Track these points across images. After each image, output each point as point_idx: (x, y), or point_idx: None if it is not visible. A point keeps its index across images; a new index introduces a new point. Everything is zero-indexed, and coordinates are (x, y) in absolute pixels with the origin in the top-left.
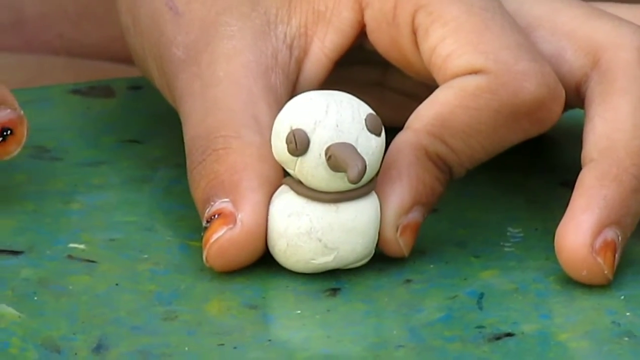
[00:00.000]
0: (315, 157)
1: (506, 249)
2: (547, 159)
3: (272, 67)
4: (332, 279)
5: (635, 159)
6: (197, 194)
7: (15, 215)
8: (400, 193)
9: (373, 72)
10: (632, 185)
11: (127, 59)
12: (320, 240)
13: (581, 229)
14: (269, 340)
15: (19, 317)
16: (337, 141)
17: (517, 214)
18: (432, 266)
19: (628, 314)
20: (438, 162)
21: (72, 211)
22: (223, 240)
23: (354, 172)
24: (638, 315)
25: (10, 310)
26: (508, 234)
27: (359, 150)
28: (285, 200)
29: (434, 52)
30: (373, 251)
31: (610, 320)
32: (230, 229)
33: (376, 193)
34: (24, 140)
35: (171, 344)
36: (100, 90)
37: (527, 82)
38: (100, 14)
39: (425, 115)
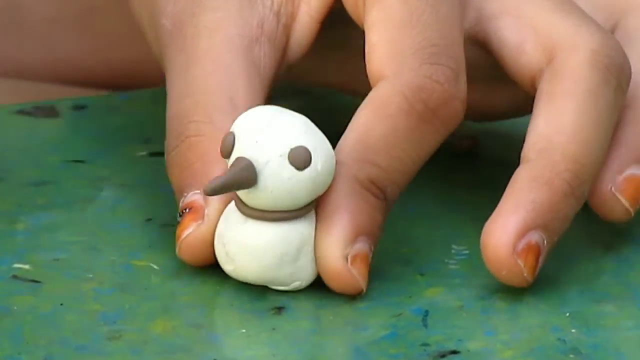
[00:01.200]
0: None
1: (451, 267)
2: (490, 176)
3: (257, 38)
4: (277, 297)
5: (570, 164)
6: (173, 181)
7: None
8: (340, 225)
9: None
10: (563, 190)
11: (71, 80)
12: (224, 246)
13: (506, 229)
14: (214, 359)
15: None
16: (244, 155)
17: (461, 231)
18: (376, 284)
19: (573, 330)
20: (372, 188)
21: (16, 231)
22: (191, 237)
23: (209, 182)
24: (583, 333)
25: None
26: (453, 251)
27: (263, 174)
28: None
29: (365, 40)
30: (291, 282)
31: (555, 337)
32: (199, 225)
33: (314, 233)
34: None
35: None
36: (44, 110)
37: (428, 81)
38: (46, 34)
39: (347, 144)
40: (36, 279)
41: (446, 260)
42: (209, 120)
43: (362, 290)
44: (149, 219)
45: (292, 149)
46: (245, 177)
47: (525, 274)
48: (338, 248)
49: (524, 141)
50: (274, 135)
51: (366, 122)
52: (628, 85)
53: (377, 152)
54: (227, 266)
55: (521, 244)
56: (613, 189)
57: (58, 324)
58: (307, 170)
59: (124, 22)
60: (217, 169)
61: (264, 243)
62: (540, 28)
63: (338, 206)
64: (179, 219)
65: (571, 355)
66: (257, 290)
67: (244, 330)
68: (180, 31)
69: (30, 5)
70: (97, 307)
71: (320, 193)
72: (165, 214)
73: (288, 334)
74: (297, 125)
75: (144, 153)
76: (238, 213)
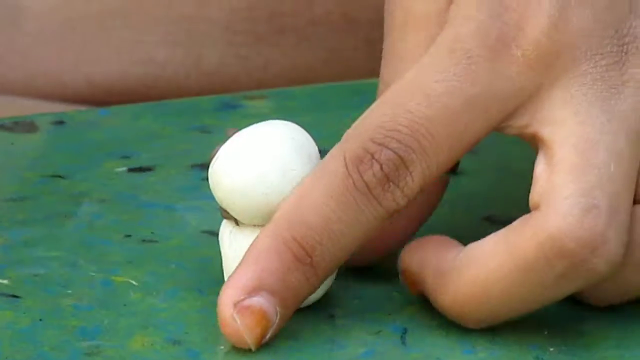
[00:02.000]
0: None
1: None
2: (470, 194)
3: None
4: None
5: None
6: None
7: None
8: (242, 274)
9: None
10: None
11: (50, 95)
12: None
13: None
14: None
15: None
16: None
17: None
18: (356, 301)
19: (552, 349)
20: (295, 248)
21: None
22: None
23: None
24: (562, 351)
25: None
26: None
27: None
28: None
29: None
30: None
31: (533, 356)
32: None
33: None
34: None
35: None
36: (24, 125)
37: (368, 157)
38: (25, 49)
39: (285, 202)
40: (15, 294)
41: None
42: None
43: (248, 344)
44: (128, 235)
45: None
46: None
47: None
48: (229, 295)
49: (504, 159)
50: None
51: (307, 181)
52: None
53: (309, 213)
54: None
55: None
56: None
57: (37, 339)
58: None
59: (104, 37)
60: None
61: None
62: (546, 180)
63: (250, 257)
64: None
65: None
66: None
67: (222, 347)
68: (394, 9)
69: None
70: (76, 322)
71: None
72: (145, 230)
73: (267, 351)
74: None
75: (124, 169)
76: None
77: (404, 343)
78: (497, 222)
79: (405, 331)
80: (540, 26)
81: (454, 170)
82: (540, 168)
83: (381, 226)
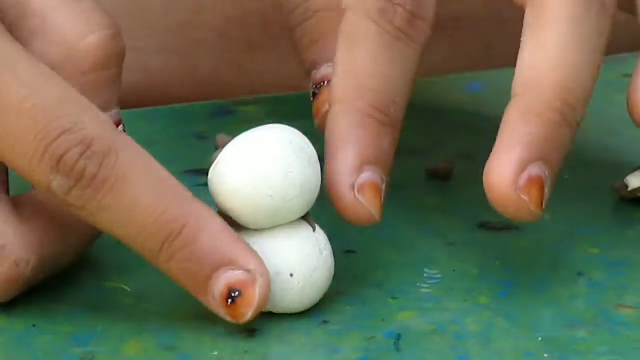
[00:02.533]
0: None
1: (423, 290)
2: (465, 200)
3: None
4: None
5: (557, 91)
6: (301, 52)
7: None
8: (343, 155)
9: None
10: (555, 120)
11: None
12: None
13: (505, 167)
14: None
15: None
16: None
17: (434, 256)
18: (349, 307)
19: (546, 355)
20: (375, 114)
21: None
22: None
23: None
24: (556, 357)
25: None
26: (425, 275)
27: None
28: None
29: None
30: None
31: None
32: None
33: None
34: (255, 302)
35: None
36: None
37: (389, 4)
38: None
39: (337, 82)
40: (9, 301)
41: (419, 284)
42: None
43: (375, 220)
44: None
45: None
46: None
47: (532, 208)
48: (343, 179)
49: None
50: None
51: (345, 55)
52: (614, 5)
53: (367, 77)
54: None
55: (522, 179)
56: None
57: (31, 345)
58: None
59: None
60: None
61: None
62: None
63: (341, 139)
64: (315, 91)
65: None
66: None
67: (216, 353)
68: None
69: None
70: (70, 328)
71: None
72: None
73: (260, 357)
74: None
75: None
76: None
77: (397, 349)
78: (492, 228)
79: (399, 337)
80: None
81: (447, 177)
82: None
83: (419, 62)
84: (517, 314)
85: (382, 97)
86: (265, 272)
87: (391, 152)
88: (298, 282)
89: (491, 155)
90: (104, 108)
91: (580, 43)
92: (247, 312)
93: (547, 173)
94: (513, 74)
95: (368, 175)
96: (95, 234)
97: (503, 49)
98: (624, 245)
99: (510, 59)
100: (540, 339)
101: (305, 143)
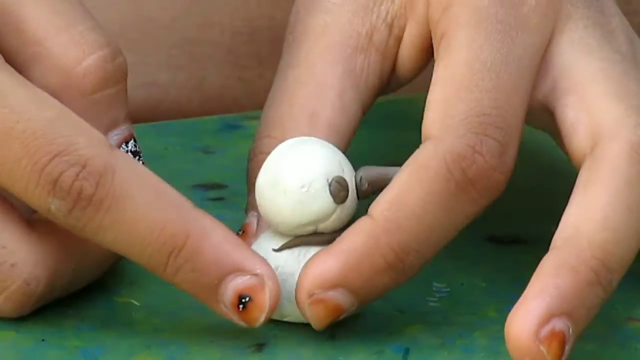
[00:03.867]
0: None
1: (431, 304)
2: None
3: (364, 48)
4: (258, 333)
5: (596, 252)
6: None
7: None
8: (326, 266)
9: None
10: (588, 278)
11: None
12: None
13: (529, 315)
14: None
15: None
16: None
17: (442, 269)
18: (357, 321)
19: None
20: (389, 255)
21: None
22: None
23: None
24: None
25: None
26: (434, 289)
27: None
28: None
29: (430, 89)
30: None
31: None
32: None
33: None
34: (266, 306)
35: None
36: None
37: (470, 151)
38: None
39: (382, 200)
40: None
41: (427, 298)
42: (283, 137)
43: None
44: None
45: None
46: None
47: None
48: (305, 284)
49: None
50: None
51: (405, 182)
52: None
53: (408, 217)
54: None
55: (544, 331)
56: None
57: (39, 359)
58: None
59: None
60: None
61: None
62: (594, 113)
63: (340, 249)
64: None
65: None
66: (238, 328)
67: None
68: (293, 26)
69: None
70: (78, 343)
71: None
72: None
73: None
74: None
75: None
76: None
77: None
78: (500, 242)
79: (407, 351)
80: None
81: None
82: (572, 114)
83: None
84: None
85: (408, 245)
86: (273, 274)
87: (383, 290)
88: None
89: (518, 302)
90: (112, 125)
91: (630, 208)
92: (260, 316)
93: (570, 330)
94: None
95: (333, 295)
96: (111, 257)
97: None
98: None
99: None
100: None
101: (336, 151)
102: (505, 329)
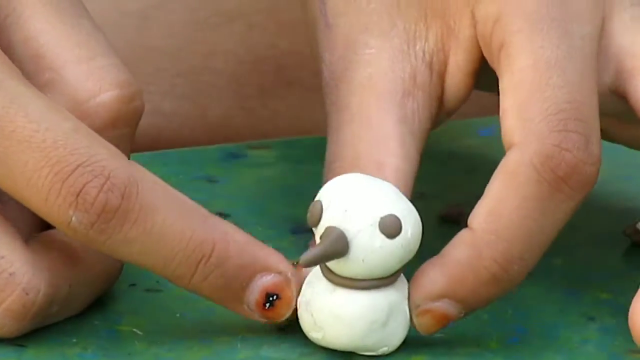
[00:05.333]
0: (319, 234)
1: (436, 335)
2: None
3: (410, 91)
4: None
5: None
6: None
7: None
8: (432, 278)
9: None
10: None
11: None
12: (312, 315)
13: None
14: None
15: None
16: (333, 225)
17: None
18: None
19: None
20: (492, 267)
21: None
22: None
23: (304, 255)
24: None
25: None
26: None
27: (354, 244)
28: (315, 268)
29: (500, 105)
30: (379, 348)
31: None
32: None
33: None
34: (293, 301)
35: None
36: None
37: (557, 150)
38: None
39: (479, 212)
40: (21, 343)
41: None
42: None
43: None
44: (133, 284)
45: (382, 218)
46: (338, 247)
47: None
48: (414, 297)
49: None
50: (364, 204)
51: (498, 192)
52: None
53: (508, 227)
54: (314, 334)
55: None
56: None
57: None
58: (398, 239)
59: None
60: None
61: (355, 312)
62: None
63: (444, 263)
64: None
65: None
66: (241, 358)
67: None
68: (334, 86)
69: None
70: None
71: (409, 259)
72: (149, 279)
73: None
74: (386, 194)
75: None
76: (325, 281)
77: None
78: (535, 275)
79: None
80: None
81: (460, 220)
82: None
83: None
84: (531, 359)
85: (511, 254)
86: (293, 270)
87: (490, 299)
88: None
89: (636, 295)
90: None
91: None
92: (286, 312)
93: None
94: None
95: (439, 306)
96: (104, 280)
97: None
98: (635, 290)
99: None
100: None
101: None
102: (629, 321)
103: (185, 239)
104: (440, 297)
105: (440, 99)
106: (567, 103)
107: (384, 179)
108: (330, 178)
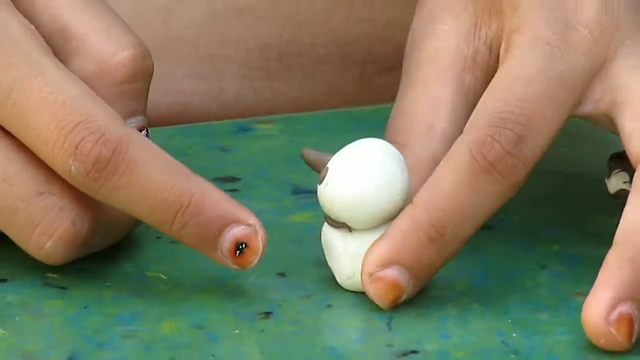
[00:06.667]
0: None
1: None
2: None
3: (470, 68)
4: (266, 304)
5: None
6: None
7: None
8: (380, 247)
9: None
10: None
11: None
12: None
13: (598, 304)
14: (213, 355)
15: (3, 334)
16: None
17: None
18: (349, 294)
19: (514, 334)
20: (429, 230)
21: None
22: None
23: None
24: (523, 336)
25: None
26: None
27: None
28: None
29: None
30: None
31: (499, 341)
32: None
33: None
34: (259, 250)
35: (130, 358)
36: None
37: (489, 139)
38: None
39: (421, 190)
40: (64, 286)
41: None
42: (405, 144)
43: (383, 307)
44: (159, 237)
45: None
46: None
47: (621, 341)
48: (366, 265)
49: None
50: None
51: (437, 171)
52: None
53: (441, 197)
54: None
55: (613, 315)
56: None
57: (82, 324)
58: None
59: None
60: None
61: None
62: None
63: (389, 235)
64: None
65: (512, 356)
66: (249, 298)
67: (237, 331)
68: (411, 52)
69: None
70: (115, 310)
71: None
72: None
73: (274, 335)
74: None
75: None
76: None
77: (390, 329)
78: (496, 229)
79: (390, 319)
80: (595, 7)
81: None
82: (629, 125)
83: (506, 200)
84: (490, 299)
85: (444, 219)
86: (261, 225)
87: (432, 265)
88: None
89: (590, 292)
90: (131, 114)
91: None
92: (254, 260)
93: (637, 312)
94: None
95: (389, 272)
96: (133, 219)
97: None
98: (580, 243)
99: None
100: (509, 320)
101: (396, 152)
102: (582, 317)
103: (167, 191)
104: (388, 262)
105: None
106: (515, 107)
107: (433, 139)
108: (389, 130)
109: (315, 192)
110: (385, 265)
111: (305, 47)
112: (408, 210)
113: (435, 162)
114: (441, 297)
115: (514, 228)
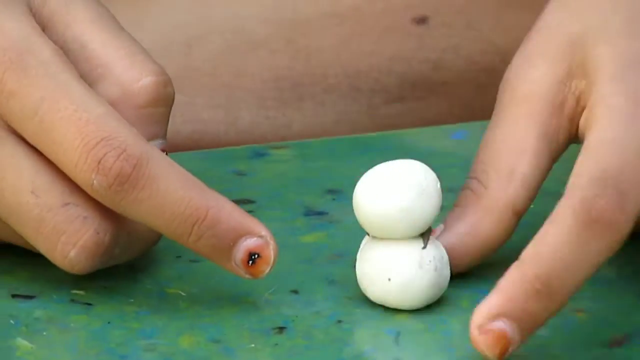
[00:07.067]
0: None
1: None
2: None
3: (557, 114)
4: (279, 319)
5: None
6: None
7: (29, 266)
8: (489, 300)
9: None
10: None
11: None
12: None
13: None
14: None
15: (31, 348)
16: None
17: None
18: (358, 310)
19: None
20: (535, 282)
21: None
22: None
23: None
24: (524, 351)
25: (24, 343)
26: None
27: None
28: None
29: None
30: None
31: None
32: None
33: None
34: (271, 260)
35: None
36: None
37: (595, 195)
38: None
39: (527, 248)
40: (89, 302)
41: None
42: (486, 183)
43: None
44: (179, 256)
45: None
46: None
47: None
48: (475, 320)
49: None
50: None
51: (542, 230)
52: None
53: (547, 254)
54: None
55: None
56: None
57: (106, 338)
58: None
59: None
60: (465, 224)
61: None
62: None
63: (499, 288)
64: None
65: None
66: (264, 314)
67: (252, 345)
68: (504, 87)
69: None
70: (137, 325)
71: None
72: (192, 252)
73: (288, 349)
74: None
75: None
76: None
77: (397, 343)
78: (498, 249)
79: (398, 334)
80: None
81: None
82: None
83: (610, 255)
84: None
85: (549, 274)
86: (272, 237)
87: (538, 317)
88: (395, 286)
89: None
90: (153, 137)
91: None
92: (266, 269)
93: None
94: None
95: (497, 324)
96: (154, 234)
97: (481, 107)
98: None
99: (487, 116)
100: None
101: (423, 177)
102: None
103: (184, 205)
104: (496, 316)
105: (577, 128)
106: (612, 170)
107: (512, 186)
108: (476, 159)
109: (326, 213)
110: (492, 318)
111: (317, 78)
112: (518, 264)
113: (510, 206)
114: (445, 312)
115: (517, 247)
